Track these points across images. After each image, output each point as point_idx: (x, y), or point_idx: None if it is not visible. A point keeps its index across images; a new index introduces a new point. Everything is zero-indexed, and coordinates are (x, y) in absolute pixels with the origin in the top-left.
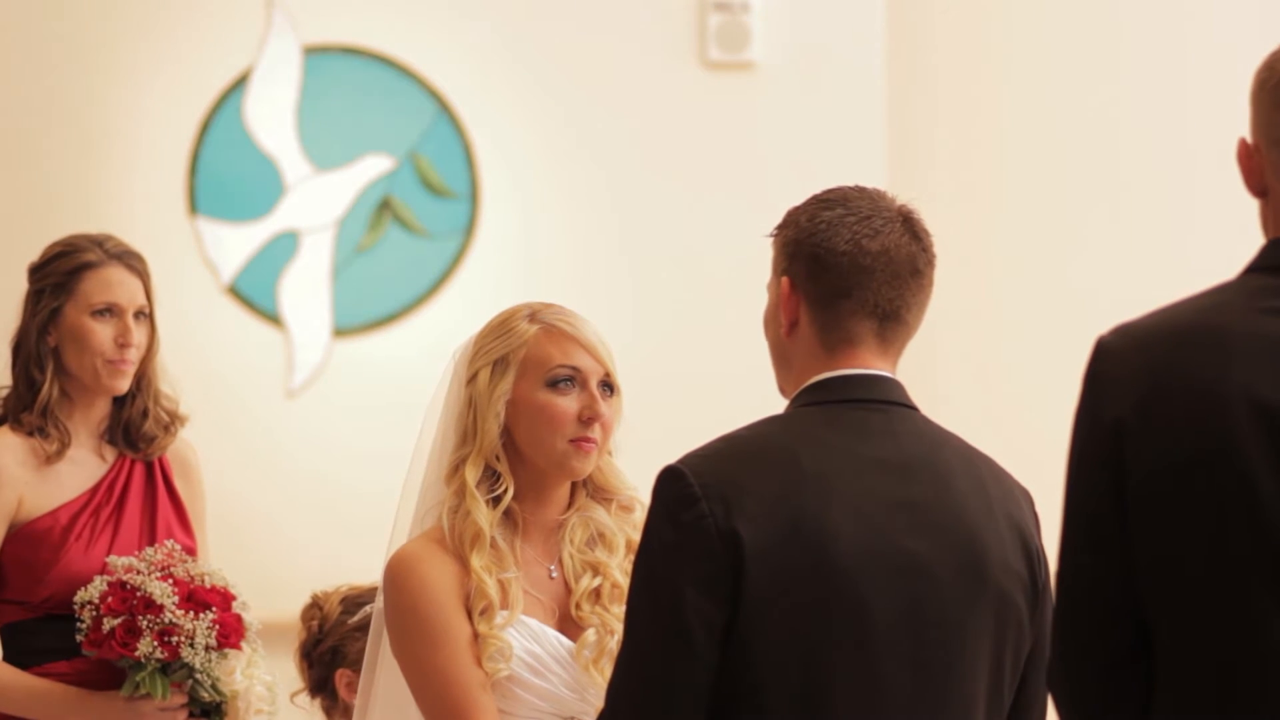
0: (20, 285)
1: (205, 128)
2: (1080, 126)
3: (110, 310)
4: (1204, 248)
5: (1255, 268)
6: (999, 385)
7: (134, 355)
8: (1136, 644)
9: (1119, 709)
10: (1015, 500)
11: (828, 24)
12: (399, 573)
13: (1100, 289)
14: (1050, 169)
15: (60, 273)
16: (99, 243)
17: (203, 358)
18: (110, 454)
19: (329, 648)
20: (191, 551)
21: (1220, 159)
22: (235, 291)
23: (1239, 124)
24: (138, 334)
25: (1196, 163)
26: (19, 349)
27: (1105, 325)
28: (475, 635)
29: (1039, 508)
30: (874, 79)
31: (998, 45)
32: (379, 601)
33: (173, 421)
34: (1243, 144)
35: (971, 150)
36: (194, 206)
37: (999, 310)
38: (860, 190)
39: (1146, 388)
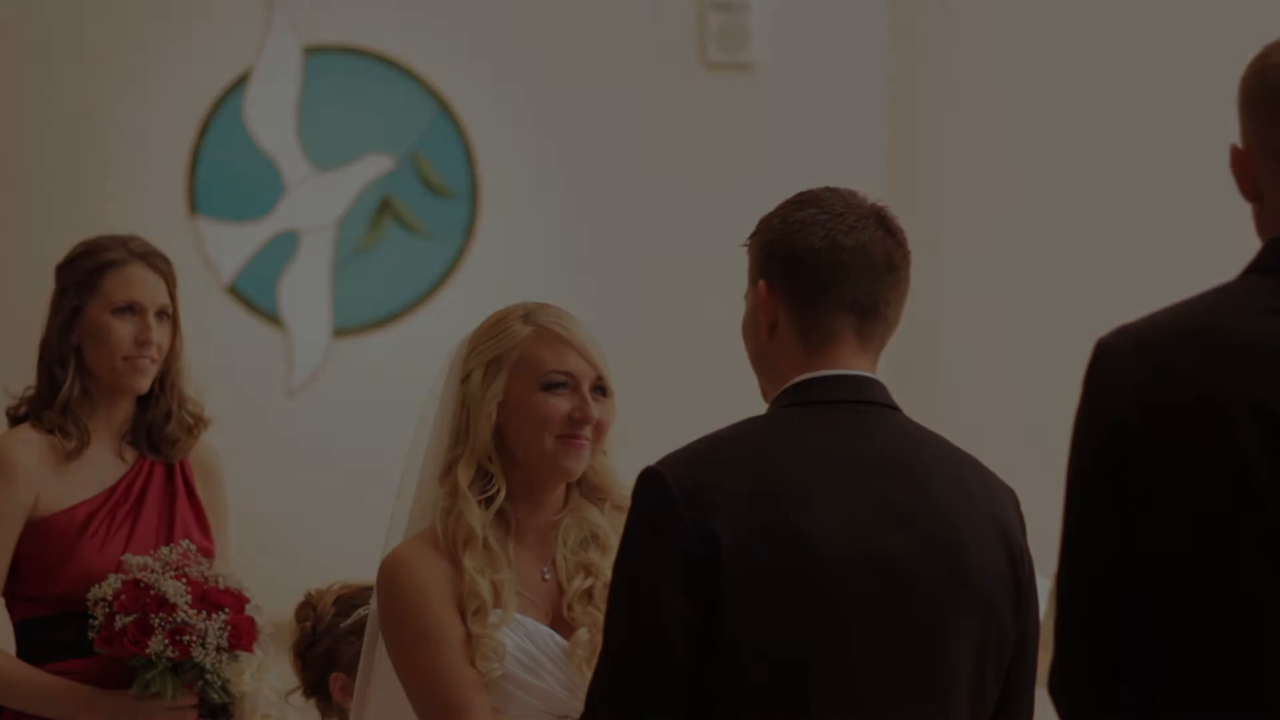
0: (21, 283)
1: (205, 128)
2: (1081, 126)
3: (131, 308)
4: (1207, 247)
5: (1255, 268)
6: (1000, 385)
7: (154, 353)
8: (1138, 647)
9: (1121, 713)
10: (998, 499)
11: (828, 24)
12: (391, 575)
13: (1103, 289)
14: (1051, 168)
15: (83, 271)
16: (124, 242)
17: (203, 358)
18: (131, 455)
19: (323, 650)
20: (209, 554)
21: (1223, 157)
22: (235, 291)
23: None
24: (159, 334)
25: (1199, 162)
26: (44, 347)
27: (1108, 325)
28: (468, 636)
29: (1043, 508)
30: (874, 79)
31: (998, 44)
32: (373, 604)
33: (196, 424)
34: (1235, 150)
35: (972, 150)
36: (194, 206)
37: (1000, 310)
38: (831, 190)
39: (1147, 389)
